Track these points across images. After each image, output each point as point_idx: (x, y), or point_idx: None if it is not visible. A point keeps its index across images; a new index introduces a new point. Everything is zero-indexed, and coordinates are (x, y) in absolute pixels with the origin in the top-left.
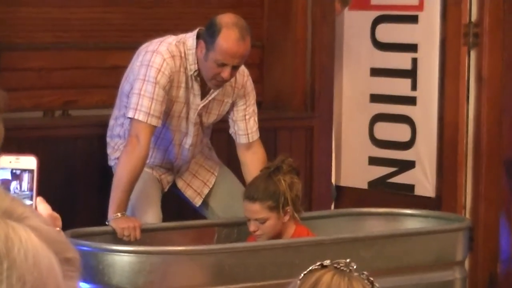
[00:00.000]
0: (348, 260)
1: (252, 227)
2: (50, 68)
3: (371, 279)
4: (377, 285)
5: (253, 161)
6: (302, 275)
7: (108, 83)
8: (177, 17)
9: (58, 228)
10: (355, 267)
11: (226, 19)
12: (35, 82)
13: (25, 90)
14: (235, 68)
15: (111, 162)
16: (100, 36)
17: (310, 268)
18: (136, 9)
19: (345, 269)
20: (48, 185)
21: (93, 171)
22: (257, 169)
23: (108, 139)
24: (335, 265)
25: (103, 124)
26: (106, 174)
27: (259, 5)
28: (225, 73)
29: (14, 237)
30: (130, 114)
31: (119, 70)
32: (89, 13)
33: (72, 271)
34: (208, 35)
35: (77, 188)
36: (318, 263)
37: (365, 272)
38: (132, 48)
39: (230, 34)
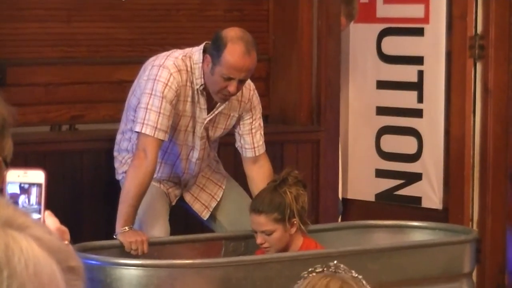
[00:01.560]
0: (335, 262)
1: (259, 239)
2: (57, 83)
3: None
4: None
5: (259, 175)
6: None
7: (114, 97)
8: (183, 31)
9: (66, 242)
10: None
11: (232, 33)
12: (42, 97)
13: (32, 105)
14: (241, 82)
15: (118, 176)
16: (107, 51)
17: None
18: (142, 23)
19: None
20: (55, 199)
21: (100, 185)
22: (263, 183)
23: (115, 153)
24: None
25: (110, 138)
26: (113, 188)
27: (264, 19)
28: (232, 87)
29: (14, 246)
30: (137, 128)
31: (125, 84)
32: (95, 28)
33: (75, 280)
34: (214, 49)
35: (85, 202)
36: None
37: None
38: (138, 62)
39: (236, 48)
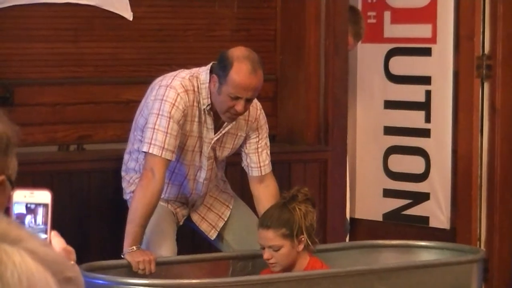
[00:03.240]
0: None
1: (266, 255)
2: (64, 103)
3: None
4: None
5: (265, 195)
6: None
7: (122, 117)
8: (190, 51)
9: (72, 262)
10: None
11: (238, 53)
12: (50, 117)
13: (39, 125)
14: (248, 101)
15: (126, 196)
16: (114, 71)
17: None
18: (149, 43)
19: None
20: (62, 219)
21: (108, 204)
22: (269, 202)
23: (123, 173)
24: None
25: (118, 158)
26: (120, 207)
27: (272, 39)
28: (239, 106)
29: (7, 260)
30: (145, 149)
31: (132, 104)
32: (102, 48)
33: None
34: (220, 69)
35: (92, 222)
36: None
37: None
38: (145, 82)
39: (242, 68)
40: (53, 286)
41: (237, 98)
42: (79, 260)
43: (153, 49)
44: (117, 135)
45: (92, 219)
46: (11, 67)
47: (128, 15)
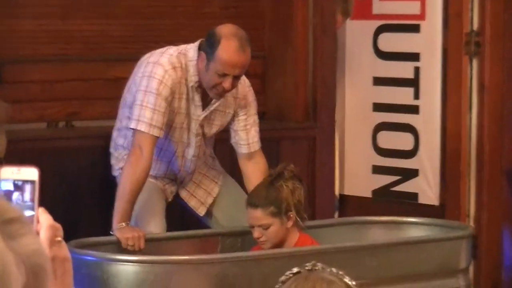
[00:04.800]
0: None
1: (256, 233)
2: (53, 80)
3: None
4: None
5: (254, 172)
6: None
7: (110, 94)
8: (178, 28)
9: (59, 238)
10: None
11: (226, 30)
12: (39, 94)
13: (28, 102)
14: (236, 78)
15: (115, 173)
16: (102, 48)
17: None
18: (138, 20)
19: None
20: (52, 196)
21: (97, 181)
22: (258, 179)
23: (111, 150)
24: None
25: (106, 135)
26: (109, 184)
27: (260, 16)
28: (226, 83)
29: None
30: (133, 125)
31: (121, 81)
32: (91, 25)
33: (21, 229)
34: (208, 46)
35: (81, 199)
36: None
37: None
38: (134, 59)
39: (230, 45)
40: None
41: (224, 75)
42: (69, 237)
43: (142, 26)
44: (106, 112)
45: (81, 196)
46: (0, 45)
47: None
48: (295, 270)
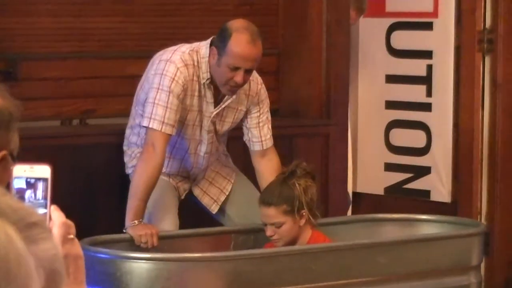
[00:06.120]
0: None
1: (269, 231)
2: (69, 77)
3: None
4: None
5: (267, 169)
6: None
7: (126, 92)
8: (193, 26)
9: (72, 236)
10: None
11: (237, 24)
12: (54, 92)
13: (44, 100)
14: (248, 72)
15: (128, 170)
16: (118, 46)
17: None
18: (153, 18)
19: None
20: (66, 193)
21: (111, 178)
22: (271, 176)
23: (125, 148)
24: None
25: (120, 133)
26: (123, 181)
27: (274, 13)
28: (238, 77)
29: None
30: (145, 123)
31: (137, 79)
32: (107, 23)
33: (42, 233)
34: (220, 41)
35: (95, 196)
36: None
37: None
38: (149, 57)
39: (241, 38)
40: (12, 234)
41: (236, 69)
42: (82, 234)
43: (158, 24)
44: (121, 109)
45: (95, 194)
46: (16, 42)
47: None
48: None
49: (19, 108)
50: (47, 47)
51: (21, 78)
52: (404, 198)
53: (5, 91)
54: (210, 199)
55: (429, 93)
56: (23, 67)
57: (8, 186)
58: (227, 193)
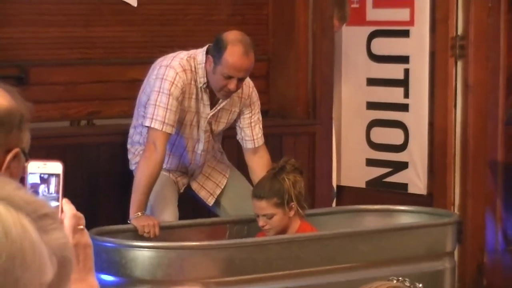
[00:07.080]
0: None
1: (261, 222)
2: (76, 82)
3: None
4: None
5: (259, 165)
6: None
7: (128, 95)
8: (189, 34)
9: (81, 226)
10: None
11: (232, 36)
12: (62, 95)
13: (53, 102)
14: (240, 80)
15: (132, 167)
16: (121, 53)
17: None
18: (152, 27)
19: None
20: (74, 188)
21: (116, 175)
22: (263, 172)
23: (128, 146)
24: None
25: (124, 132)
26: (127, 177)
27: (264, 23)
28: (232, 85)
29: None
30: (147, 123)
31: (138, 83)
32: (110, 32)
33: (52, 224)
34: (216, 51)
35: (101, 191)
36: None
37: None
38: (149, 63)
39: (235, 50)
40: (27, 225)
41: (230, 78)
42: (90, 226)
43: (156, 32)
44: (124, 111)
45: (101, 188)
46: (27, 50)
47: (133, 1)
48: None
49: (29, 109)
50: (56, 55)
51: (32, 83)
52: (384, 191)
53: (17, 94)
54: (207, 192)
55: (406, 95)
56: (33, 72)
57: (22, 181)
58: (222, 187)
